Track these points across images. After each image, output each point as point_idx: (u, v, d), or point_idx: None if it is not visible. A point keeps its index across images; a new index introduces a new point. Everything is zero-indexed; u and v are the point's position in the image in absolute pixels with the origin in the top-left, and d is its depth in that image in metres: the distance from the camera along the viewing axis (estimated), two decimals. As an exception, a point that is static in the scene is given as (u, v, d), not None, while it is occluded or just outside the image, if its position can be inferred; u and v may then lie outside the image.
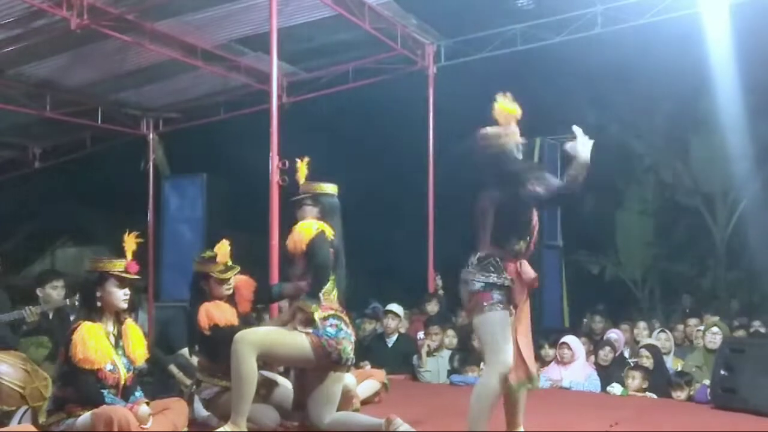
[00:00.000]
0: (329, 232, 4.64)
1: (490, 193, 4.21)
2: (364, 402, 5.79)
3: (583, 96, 15.55)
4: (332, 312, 4.63)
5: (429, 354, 7.81)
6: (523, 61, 10.64)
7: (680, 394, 6.63)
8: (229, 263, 5.28)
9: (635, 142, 16.35)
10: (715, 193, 16.06)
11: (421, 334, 8.21)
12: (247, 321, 5.29)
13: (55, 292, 6.06)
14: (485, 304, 4.13)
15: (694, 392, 6.58)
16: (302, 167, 5.06)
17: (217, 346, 5.03)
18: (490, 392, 4.09)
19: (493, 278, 4.15)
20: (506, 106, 4.24)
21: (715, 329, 7.04)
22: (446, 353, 7.89)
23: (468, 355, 7.69)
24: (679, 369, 7.17)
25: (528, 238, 4.25)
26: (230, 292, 5.28)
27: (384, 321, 8.28)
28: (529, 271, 4.22)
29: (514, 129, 4.27)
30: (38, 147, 12.62)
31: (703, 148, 15.55)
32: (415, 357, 7.90)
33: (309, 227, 4.61)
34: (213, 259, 5.24)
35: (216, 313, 5.12)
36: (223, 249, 5.28)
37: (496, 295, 4.13)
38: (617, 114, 16.05)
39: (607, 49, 11.13)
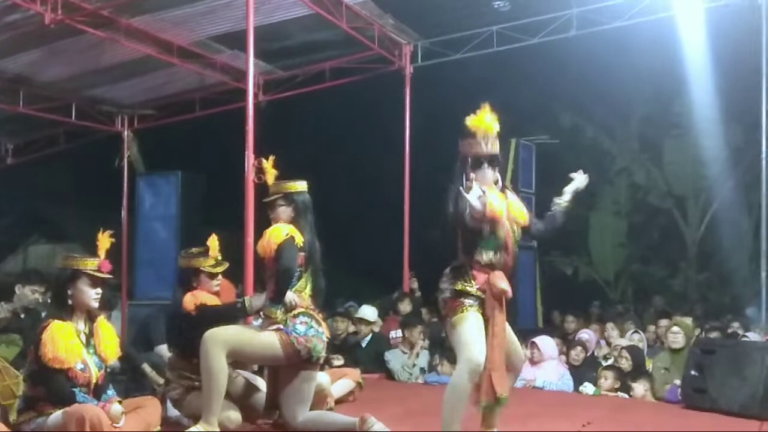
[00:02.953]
0: (299, 238, 4.60)
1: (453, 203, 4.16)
2: (339, 401, 5.80)
3: (558, 97, 15.67)
4: (303, 310, 4.62)
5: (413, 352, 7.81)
6: (499, 63, 10.70)
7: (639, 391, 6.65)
8: (219, 258, 5.26)
9: (609, 144, 16.48)
10: (687, 196, 16.25)
11: (393, 333, 8.22)
12: None
13: (33, 295, 6.08)
14: (456, 307, 4.17)
15: (657, 389, 6.64)
16: (269, 167, 4.99)
17: (196, 330, 4.89)
18: (461, 391, 4.08)
19: (460, 285, 4.18)
20: (475, 118, 4.19)
21: (675, 329, 7.00)
22: (421, 353, 7.89)
23: (447, 354, 7.70)
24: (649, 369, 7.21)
25: (499, 250, 4.19)
26: (218, 288, 5.24)
27: (357, 327, 8.30)
28: (498, 282, 4.14)
29: (479, 141, 4.17)
30: (11, 143, 12.51)
31: (676, 151, 15.76)
32: (386, 353, 7.88)
33: (279, 232, 4.57)
34: (203, 253, 5.20)
35: (202, 297, 5.06)
36: (213, 244, 5.26)
37: (467, 301, 4.17)
38: (592, 116, 16.17)
39: (583, 51, 11.21)
